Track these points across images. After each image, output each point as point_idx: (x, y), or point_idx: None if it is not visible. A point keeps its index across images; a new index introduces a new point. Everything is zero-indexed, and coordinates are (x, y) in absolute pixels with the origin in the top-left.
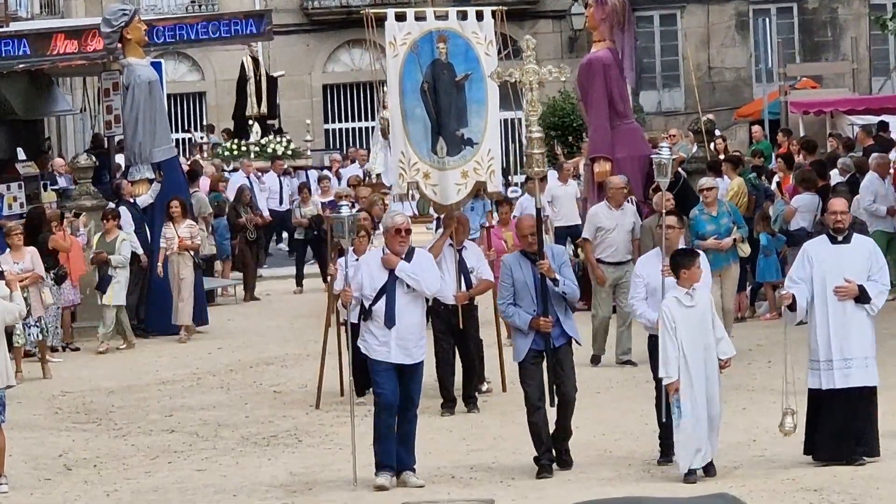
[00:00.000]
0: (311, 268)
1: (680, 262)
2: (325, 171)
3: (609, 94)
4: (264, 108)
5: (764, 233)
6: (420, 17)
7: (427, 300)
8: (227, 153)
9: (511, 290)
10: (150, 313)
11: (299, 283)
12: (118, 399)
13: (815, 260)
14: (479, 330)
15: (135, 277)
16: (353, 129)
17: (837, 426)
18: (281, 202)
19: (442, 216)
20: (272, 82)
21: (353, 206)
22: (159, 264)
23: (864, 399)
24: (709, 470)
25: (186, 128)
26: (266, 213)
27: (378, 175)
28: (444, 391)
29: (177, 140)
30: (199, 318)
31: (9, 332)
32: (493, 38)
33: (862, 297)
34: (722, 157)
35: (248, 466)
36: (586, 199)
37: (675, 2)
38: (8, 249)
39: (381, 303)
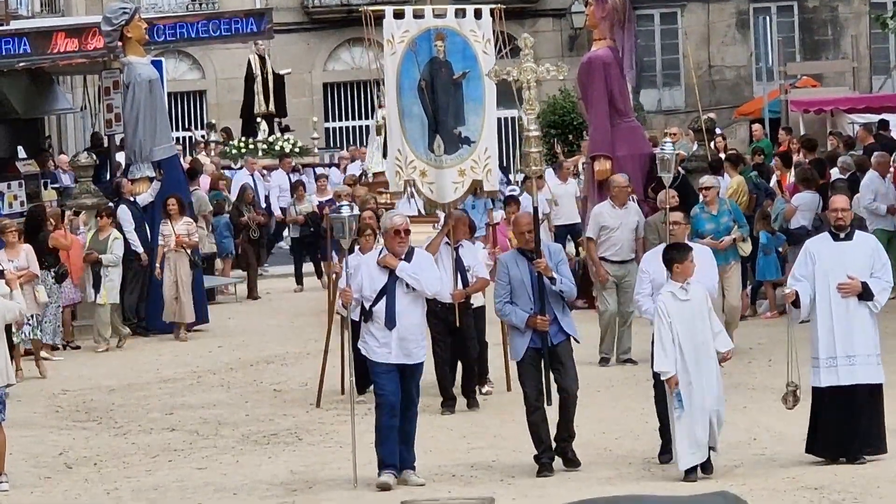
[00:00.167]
0: (311, 266)
1: (673, 257)
2: (323, 170)
3: (609, 92)
4: (272, 106)
5: (763, 231)
6: (418, 15)
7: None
8: (234, 151)
9: (508, 289)
10: (151, 312)
11: (299, 282)
12: (118, 397)
13: (818, 257)
14: (486, 330)
15: (135, 276)
16: (354, 127)
17: (841, 424)
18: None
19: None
20: (279, 80)
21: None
22: (157, 265)
23: (868, 396)
24: (706, 467)
25: (187, 126)
26: (277, 212)
27: (375, 174)
28: (444, 390)
29: (180, 138)
30: (200, 316)
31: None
32: (491, 37)
33: (865, 294)
34: (723, 155)
35: (248, 465)
36: (586, 198)
37: (676, 0)
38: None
39: (382, 304)
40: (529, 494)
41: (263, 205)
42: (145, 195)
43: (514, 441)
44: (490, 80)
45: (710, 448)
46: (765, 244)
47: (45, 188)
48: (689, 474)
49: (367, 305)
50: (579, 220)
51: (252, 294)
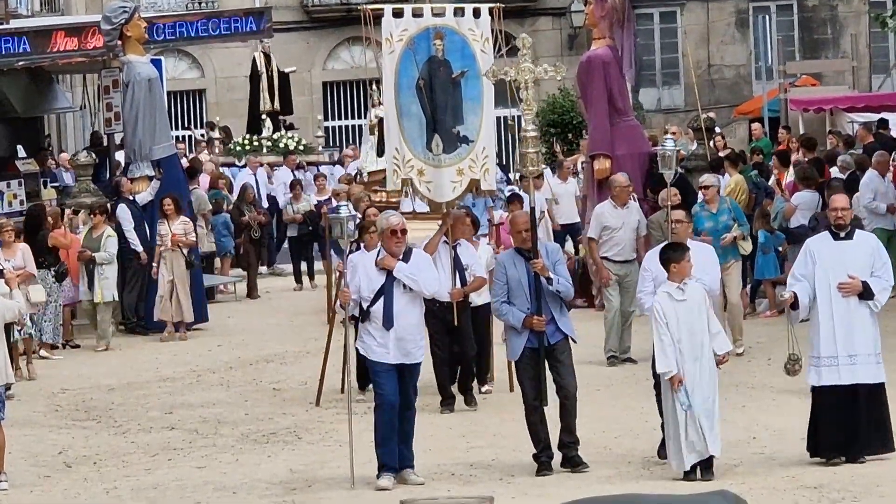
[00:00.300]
0: (315, 265)
1: (670, 257)
2: (328, 167)
3: (609, 91)
4: (277, 104)
5: (762, 230)
6: (417, 14)
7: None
8: (238, 148)
9: (505, 289)
10: (150, 311)
11: (298, 281)
12: (118, 396)
13: (818, 257)
14: (490, 329)
15: (134, 275)
16: (354, 126)
17: (842, 424)
18: None
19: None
20: (284, 78)
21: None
22: (154, 264)
23: (870, 396)
24: (707, 469)
25: (186, 125)
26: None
27: (370, 173)
28: (443, 389)
29: (182, 137)
30: (200, 315)
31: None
32: (490, 35)
33: (865, 293)
34: (723, 154)
35: (247, 464)
36: (586, 197)
37: None
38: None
39: (379, 304)
40: (529, 493)
41: (266, 204)
42: (144, 194)
43: (513, 440)
44: (488, 79)
45: (711, 455)
46: (763, 243)
47: (45, 187)
48: (690, 473)
49: (364, 306)
50: (579, 220)
51: (252, 293)
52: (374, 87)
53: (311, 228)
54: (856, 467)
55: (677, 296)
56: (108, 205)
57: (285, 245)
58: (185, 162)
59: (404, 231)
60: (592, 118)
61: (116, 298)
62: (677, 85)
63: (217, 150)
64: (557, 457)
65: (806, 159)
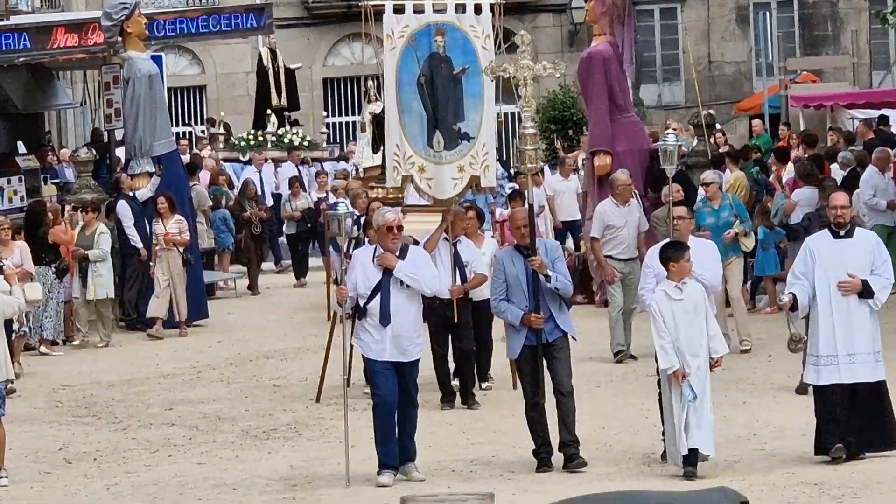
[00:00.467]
0: (314, 261)
1: (669, 256)
2: (325, 166)
3: (609, 87)
4: (284, 100)
5: (762, 227)
6: (418, 10)
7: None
8: (242, 144)
9: (504, 286)
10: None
11: (298, 277)
12: (118, 393)
13: (818, 255)
14: (491, 325)
15: (134, 271)
16: (355, 122)
17: (843, 422)
18: (304, 191)
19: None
20: (290, 74)
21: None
22: (151, 264)
23: (870, 394)
24: (689, 462)
25: (187, 121)
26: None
27: (366, 169)
28: (443, 385)
29: (184, 133)
30: (200, 311)
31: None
32: (491, 32)
33: (865, 291)
34: (724, 150)
35: (247, 460)
36: (586, 193)
37: None
38: None
39: (376, 300)
40: (529, 490)
41: (272, 202)
42: (144, 190)
43: (513, 437)
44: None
45: (705, 455)
46: (763, 239)
47: (45, 183)
48: (688, 467)
49: (361, 303)
50: (580, 217)
51: (253, 289)
52: (370, 82)
53: (309, 226)
54: (856, 464)
55: (675, 295)
56: (101, 202)
57: (283, 241)
58: (186, 158)
59: (400, 227)
60: (593, 115)
61: (111, 295)
62: (678, 81)
63: (220, 146)
64: (558, 455)
65: (806, 156)
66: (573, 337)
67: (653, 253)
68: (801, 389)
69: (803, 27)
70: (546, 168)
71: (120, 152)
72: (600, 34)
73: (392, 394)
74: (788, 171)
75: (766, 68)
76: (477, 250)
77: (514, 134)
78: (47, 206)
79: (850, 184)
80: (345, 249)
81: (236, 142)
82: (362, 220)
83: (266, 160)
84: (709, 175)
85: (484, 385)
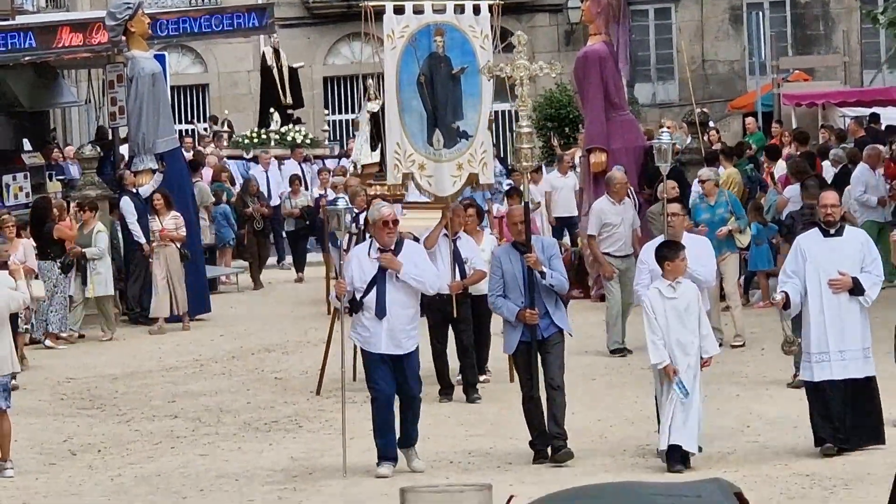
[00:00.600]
0: (314, 256)
1: (665, 255)
2: (328, 163)
3: (605, 86)
4: (289, 98)
5: (755, 222)
6: (418, 11)
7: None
8: (246, 141)
9: (501, 282)
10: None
11: (300, 271)
12: (122, 385)
13: (809, 253)
14: (490, 320)
15: (137, 266)
16: (354, 120)
17: (836, 417)
18: (306, 189)
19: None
20: (293, 73)
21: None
22: (150, 260)
23: (862, 390)
24: (674, 459)
25: (189, 119)
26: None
27: (364, 166)
28: (441, 378)
29: (188, 131)
30: (202, 305)
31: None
32: (489, 32)
33: (856, 289)
34: (717, 147)
35: (249, 451)
36: (582, 190)
37: None
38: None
39: (372, 295)
40: (526, 481)
41: (278, 200)
42: (147, 187)
43: (511, 429)
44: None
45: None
46: (756, 235)
47: (50, 180)
48: (673, 461)
49: (357, 296)
50: (576, 213)
51: (256, 284)
52: (369, 81)
53: (307, 223)
54: (847, 456)
55: (668, 293)
56: (101, 200)
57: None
58: (189, 155)
59: (396, 222)
60: (589, 113)
61: (111, 292)
62: (672, 80)
63: (225, 144)
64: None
65: (798, 153)
66: (569, 333)
67: (647, 249)
68: (795, 385)
69: (795, 27)
70: (542, 165)
71: (124, 149)
72: (596, 34)
73: (389, 387)
74: (780, 168)
75: (758, 67)
76: (476, 247)
77: (510, 131)
78: (52, 202)
79: (841, 180)
80: (344, 246)
81: (239, 140)
82: (361, 217)
83: (272, 158)
84: (705, 172)
85: (482, 378)
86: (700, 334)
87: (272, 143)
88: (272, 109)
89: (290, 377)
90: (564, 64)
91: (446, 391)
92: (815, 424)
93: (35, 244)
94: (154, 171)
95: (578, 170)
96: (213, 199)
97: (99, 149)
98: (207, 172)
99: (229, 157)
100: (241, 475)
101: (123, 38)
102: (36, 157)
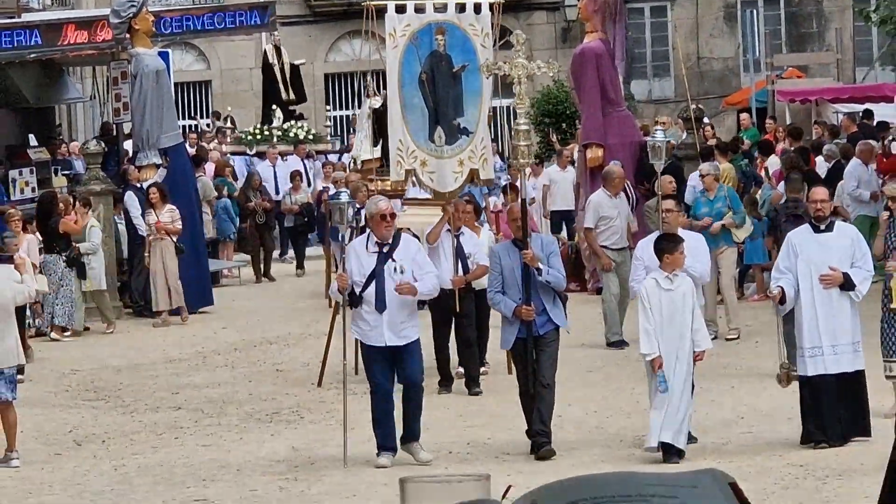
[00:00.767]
0: (315, 250)
1: (664, 248)
2: (327, 158)
3: (601, 82)
4: (291, 95)
5: (750, 217)
6: (419, 10)
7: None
8: (249, 137)
9: (500, 279)
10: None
11: (300, 266)
12: (126, 377)
13: (800, 249)
14: (489, 314)
15: (141, 260)
16: (354, 116)
17: (826, 410)
18: (308, 184)
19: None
20: (295, 70)
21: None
22: (146, 254)
23: (853, 383)
24: (669, 453)
25: (192, 115)
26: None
27: (363, 162)
28: (442, 371)
29: (192, 126)
30: (205, 298)
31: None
32: (490, 30)
33: (847, 284)
34: (712, 142)
35: (251, 442)
36: (579, 184)
37: None
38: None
39: (371, 288)
40: (524, 471)
41: (285, 194)
42: (151, 182)
43: (509, 420)
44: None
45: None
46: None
47: (56, 175)
48: (668, 456)
49: (357, 290)
50: (575, 207)
51: (266, 275)
52: (369, 78)
53: (306, 220)
54: (839, 447)
55: (665, 285)
56: (102, 195)
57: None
58: (193, 151)
59: (393, 215)
60: (585, 109)
61: (104, 286)
62: (667, 76)
63: (228, 140)
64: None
65: (793, 148)
66: (567, 331)
67: (642, 246)
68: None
69: (789, 25)
70: (543, 160)
71: (128, 145)
72: (593, 31)
73: (388, 380)
74: (773, 163)
75: (753, 64)
76: (479, 242)
77: (509, 127)
78: (58, 196)
79: (834, 176)
80: (346, 240)
81: (242, 136)
82: (363, 212)
83: (279, 155)
84: (706, 166)
85: (480, 370)
86: (693, 328)
87: (275, 140)
88: (274, 106)
89: (291, 369)
90: (561, 61)
91: (445, 383)
92: (804, 420)
93: (41, 238)
94: (158, 167)
95: (576, 164)
96: (216, 194)
97: (103, 144)
98: (210, 167)
99: (232, 153)
100: (244, 465)
101: (128, 35)
102: (42, 153)
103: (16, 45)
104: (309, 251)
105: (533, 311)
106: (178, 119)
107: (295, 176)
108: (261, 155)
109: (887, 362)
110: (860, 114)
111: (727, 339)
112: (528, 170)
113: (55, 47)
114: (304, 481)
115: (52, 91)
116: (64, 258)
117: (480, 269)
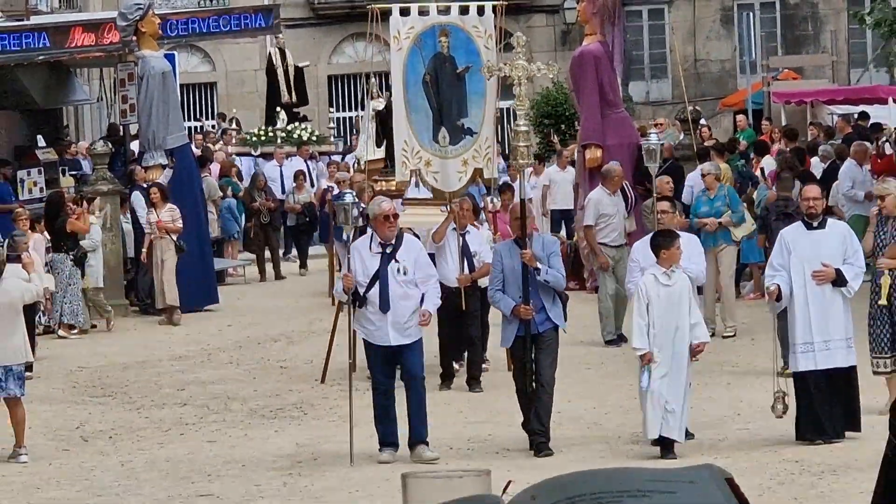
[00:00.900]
0: (317, 249)
1: (660, 244)
2: (331, 158)
3: (600, 84)
4: (294, 97)
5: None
6: (423, 12)
7: None
8: (254, 139)
9: (501, 277)
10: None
11: (303, 265)
12: (132, 374)
13: (793, 246)
14: (489, 311)
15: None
16: (358, 117)
17: (819, 406)
18: (312, 185)
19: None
20: (298, 72)
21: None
22: (143, 251)
23: (843, 379)
24: (667, 449)
25: (198, 116)
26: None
27: (367, 162)
28: (444, 367)
29: (198, 128)
30: (210, 297)
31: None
32: (493, 32)
33: (839, 280)
34: (709, 143)
35: (255, 438)
36: (578, 185)
37: None
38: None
39: (376, 289)
40: (524, 467)
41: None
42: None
43: (509, 416)
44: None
45: (674, 439)
46: None
47: (64, 175)
48: (665, 451)
49: (361, 291)
50: (574, 206)
51: (276, 275)
52: (372, 79)
53: (308, 219)
54: (834, 443)
55: (663, 280)
56: (109, 195)
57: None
58: (198, 151)
59: (396, 216)
60: (584, 110)
61: (101, 284)
62: (665, 78)
63: (234, 141)
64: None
65: (788, 149)
66: (563, 330)
67: (638, 247)
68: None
69: (785, 27)
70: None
71: (134, 146)
72: (591, 34)
73: (389, 378)
74: (768, 164)
75: (749, 66)
76: (484, 240)
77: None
78: (66, 196)
79: (829, 176)
80: (351, 240)
81: (247, 137)
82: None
83: (286, 156)
84: (707, 166)
85: (482, 367)
86: (691, 322)
87: (279, 141)
88: (278, 108)
89: (295, 366)
90: (561, 63)
91: (447, 380)
92: (798, 415)
93: (49, 237)
94: (164, 167)
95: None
96: (221, 194)
97: (110, 145)
98: (215, 168)
99: (237, 154)
100: (248, 461)
101: (134, 38)
102: (49, 153)
103: (24, 47)
104: (311, 250)
105: (531, 310)
106: (184, 120)
107: (298, 175)
108: (266, 156)
109: (875, 358)
110: (856, 115)
111: (724, 337)
112: (529, 169)
113: (63, 49)
114: (307, 477)
115: (59, 93)
116: (71, 257)
117: (486, 268)
